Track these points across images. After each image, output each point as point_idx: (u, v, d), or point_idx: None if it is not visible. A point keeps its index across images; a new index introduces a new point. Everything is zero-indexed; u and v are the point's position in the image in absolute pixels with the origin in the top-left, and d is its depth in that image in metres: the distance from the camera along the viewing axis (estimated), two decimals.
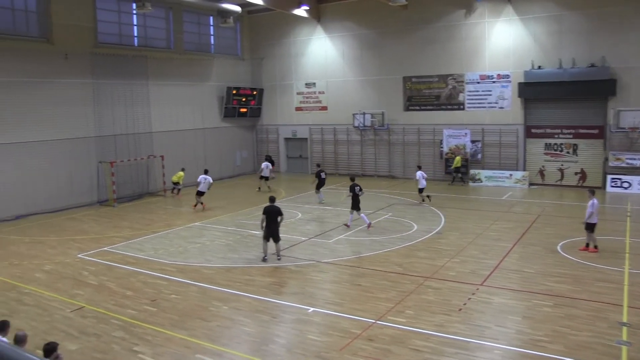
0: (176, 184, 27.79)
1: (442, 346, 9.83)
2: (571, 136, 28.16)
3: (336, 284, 13.91)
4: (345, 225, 19.99)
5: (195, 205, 24.21)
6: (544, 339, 10.02)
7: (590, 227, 16.03)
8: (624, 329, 10.49)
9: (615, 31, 26.41)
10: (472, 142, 30.18)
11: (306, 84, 35.64)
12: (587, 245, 16.14)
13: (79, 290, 13.68)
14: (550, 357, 9.39)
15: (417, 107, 31.95)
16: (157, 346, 10.17)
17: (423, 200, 24.40)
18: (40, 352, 7.89)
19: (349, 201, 20.09)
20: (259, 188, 29.05)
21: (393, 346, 9.87)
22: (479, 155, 30.32)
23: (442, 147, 30.99)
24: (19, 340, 8.11)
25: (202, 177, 24.26)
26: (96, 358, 9.70)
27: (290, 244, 17.64)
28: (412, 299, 12.30)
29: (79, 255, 16.99)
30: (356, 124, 33.38)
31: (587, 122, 27.79)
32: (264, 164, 29.07)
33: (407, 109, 32.29)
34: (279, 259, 15.84)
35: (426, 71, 31.36)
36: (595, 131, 27.68)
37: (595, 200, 16.04)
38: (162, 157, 28.79)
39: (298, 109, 36.25)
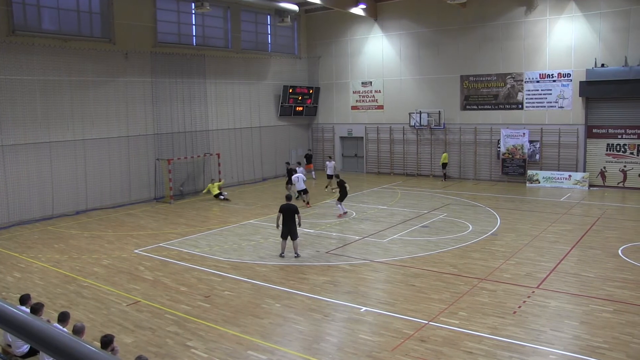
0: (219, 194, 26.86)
1: (495, 349, 9.76)
2: (636, 137, 27.16)
3: (389, 284, 13.94)
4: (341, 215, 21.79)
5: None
6: (604, 346, 9.79)
7: None
8: None
9: None
10: (530, 142, 29.56)
11: (362, 83, 35.65)
12: None
13: (135, 284, 14.14)
14: None
15: (475, 107, 31.52)
16: (210, 342, 10.43)
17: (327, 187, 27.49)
18: (98, 344, 8.13)
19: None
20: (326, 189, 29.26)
21: (445, 348, 9.85)
22: (537, 156, 29.67)
23: (499, 147, 30.49)
24: (77, 331, 8.45)
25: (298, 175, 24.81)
26: (150, 352, 9.99)
27: (344, 243, 17.78)
28: (465, 301, 12.23)
29: (136, 251, 17.54)
30: (412, 124, 33.18)
31: None
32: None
33: (464, 108, 31.90)
34: (296, 257, 16.11)
35: (484, 70, 30.90)
36: None
37: None
38: (218, 155, 29.32)
39: (354, 107, 36.30)
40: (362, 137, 36.06)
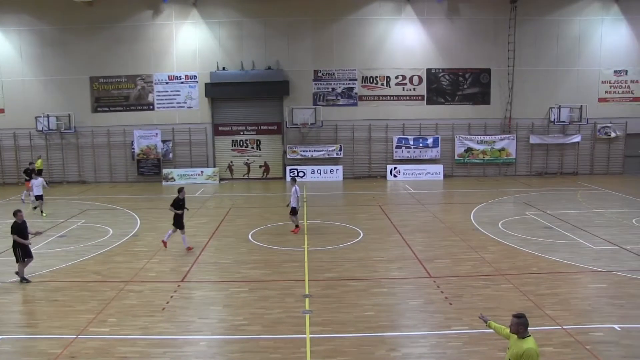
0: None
1: (149, 348, 9.96)
2: (254, 132, 30.75)
3: (28, 304, 12.86)
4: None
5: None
6: (244, 323, 10.96)
7: (294, 211, 18.17)
8: (307, 300, 12.12)
9: (287, 38, 29.71)
10: (163, 142, 30.55)
11: None
12: (297, 226, 18.36)
13: None
14: (250, 338, 10.32)
15: (107, 109, 31.05)
16: None
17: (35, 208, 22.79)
18: None
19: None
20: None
21: (98, 359, 9.64)
22: (170, 155, 30.89)
23: (133, 149, 30.69)
24: None
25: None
26: None
27: None
28: (114, 306, 12.12)
29: None
30: (40, 128, 30.92)
31: (267, 119, 30.81)
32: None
33: (95, 110, 31.13)
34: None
35: (114, 71, 30.68)
36: (275, 127, 30.80)
37: (297, 187, 18.12)
38: None
39: None
40: None
